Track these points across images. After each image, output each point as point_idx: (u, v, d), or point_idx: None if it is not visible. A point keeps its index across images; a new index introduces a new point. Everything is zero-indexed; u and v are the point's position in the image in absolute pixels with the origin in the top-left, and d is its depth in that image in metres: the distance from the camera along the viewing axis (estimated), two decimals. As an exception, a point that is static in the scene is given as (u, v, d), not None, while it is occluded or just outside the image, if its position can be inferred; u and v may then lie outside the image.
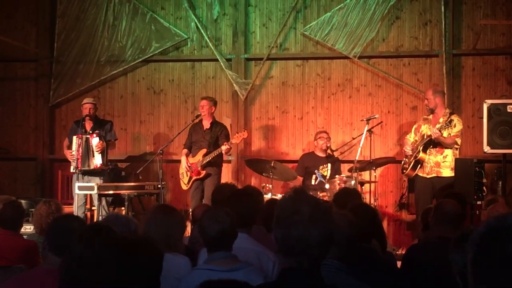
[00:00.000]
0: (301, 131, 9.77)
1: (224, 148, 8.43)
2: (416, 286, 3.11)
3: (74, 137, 8.56)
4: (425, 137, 8.05)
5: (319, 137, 8.84)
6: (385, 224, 9.01)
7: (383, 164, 8.93)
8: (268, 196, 7.80)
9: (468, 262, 1.56)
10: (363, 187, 8.53)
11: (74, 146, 8.53)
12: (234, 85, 9.76)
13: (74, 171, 8.50)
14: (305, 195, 2.42)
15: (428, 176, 8.03)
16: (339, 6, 9.55)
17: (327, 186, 8.26)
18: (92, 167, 8.48)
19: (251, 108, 9.90)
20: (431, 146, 8.00)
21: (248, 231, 4.18)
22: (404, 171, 8.22)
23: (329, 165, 8.76)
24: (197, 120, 8.88)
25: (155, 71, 10.19)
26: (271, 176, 8.41)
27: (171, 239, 3.96)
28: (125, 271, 2.42)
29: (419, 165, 8.05)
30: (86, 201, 8.66)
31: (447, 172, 7.96)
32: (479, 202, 7.40)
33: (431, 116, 8.20)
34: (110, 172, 8.98)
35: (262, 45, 9.90)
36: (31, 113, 10.40)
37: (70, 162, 8.60)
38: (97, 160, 8.46)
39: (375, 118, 8.70)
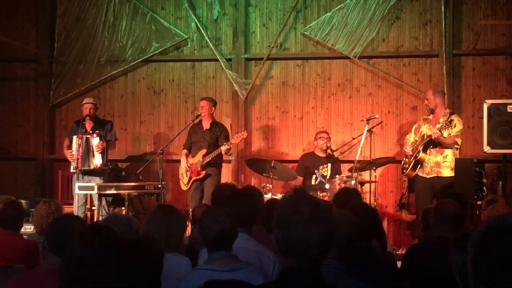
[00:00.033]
0: (301, 131, 9.77)
1: (223, 148, 8.44)
2: (416, 286, 3.10)
3: (74, 137, 8.56)
4: (425, 137, 8.05)
5: (319, 137, 8.84)
6: (385, 224, 9.01)
7: (383, 164, 8.93)
8: (268, 196, 7.80)
9: (468, 262, 1.56)
10: (363, 187, 8.53)
11: (74, 146, 8.53)
12: (234, 85, 9.76)
13: (74, 171, 8.50)
14: (305, 195, 2.42)
15: (428, 176, 8.03)
16: (339, 6, 9.55)
17: (327, 186, 8.26)
18: (92, 167, 8.48)
19: (251, 108, 9.90)
20: (431, 146, 8.00)
21: (248, 231, 4.18)
22: (404, 171, 8.22)
23: (329, 165, 8.76)
24: (197, 120, 8.88)
25: (155, 71, 10.19)
26: (271, 176, 8.41)
27: (172, 239, 3.97)
28: (125, 271, 2.42)
29: (419, 165, 8.05)
30: (86, 201, 8.66)
31: (447, 172, 7.96)
32: (479, 202, 7.40)
33: (431, 116, 8.20)
34: (110, 172, 8.98)
35: (262, 45, 9.90)
36: (31, 113, 10.40)
37: (70, 162, 8.60)
38: (97, 160, 8.46)
39: (375, 118, 8.70)
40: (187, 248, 4.58)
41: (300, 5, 9.76)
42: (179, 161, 8.97)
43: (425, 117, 8.35)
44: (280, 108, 9.83)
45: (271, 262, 4.00)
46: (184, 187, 8.85)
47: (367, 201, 8.47)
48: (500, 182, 8.23)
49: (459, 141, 8.07)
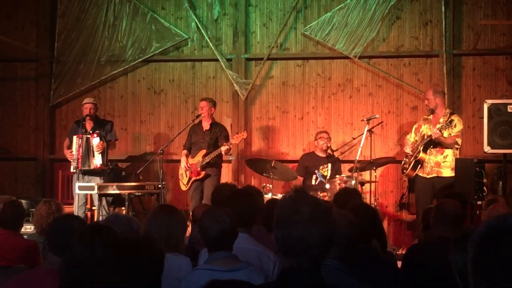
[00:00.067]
0: (302, 131, 9.77)
1: (223, 149, 8.44)
2: (416, 286, 3.10)
3: (75, 137, 8.56)
4: (425, 137, 8.05)
5: (320, 137, 8.84)
6: (385, 224, 9.01)
7: (384, 164, 8.93)
8: (268, 196, 7.80)
9: (468, 262, 1.56)
10: (363, 187, 8.53)
11: (75, 146, 8.53)
12: (235, 85, 9.76)
13: (74, 171, 8.50)
14: (305, 195, 2.42)
15: (428, 176, 8.02)
16: (340, 6, 9.55)
17: (327, 186, 8.26)
18: (92, 167, 8.47)
19: (252, 108, 9.90)
20: (432, 146, 8.00)
21: (248, 231, 4.18)
22: (405, 171, 8.22)
23: (329, 165, 8.76)
24: (197, 121, 8.89)
25: (155, 71, 10.19)
26: (271, 176, 8.41)
27: (173, 239, 3.96)
28: (125, 271, 2.42)
29: (419, 165, 8.05)
30: (86, 201, 8.66)
31: (448, 172, 7.96)
32: (479, 202, 7.40)
33: (431, 116, 8.20)
34: (110, 172, 8.98)
35: (262, 45, 9.90)
36: (32, 113, 10.40)
37: (70, 162, 8.60)
38: (97, 160, 8.45)
39: (375, 118, 8.70)
40: (187, 248, 4.58)
41: (300, 5, 9.76)
42: (179, 161, 8.97)
43: (425, 117, 8.35)
44: (280, 108, 9.83)
45: (271, 262, 4.00)
46: (183, 187, 8.85)
47: (367, 201, 8.47)
48: (501, 182, 8.23)
49: (459, 141, 8.07)
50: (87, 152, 8.48)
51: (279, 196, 7.82)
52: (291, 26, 9.81)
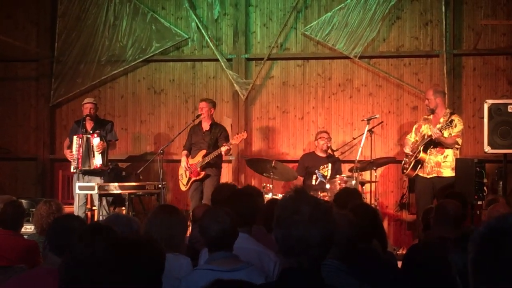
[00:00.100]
0: (302, 131, 9.77)
1: (223, 149, 8.45)
2: (416, 286, 3.10)
3: (75, 137, 8.56)
4: (425, 137, 8.04)
5: (320, 137, 8.84)
6: (385, 224, 9.01)
7: (384, 164, 8.93)
8: (268, 196, 7.80)
9: (468, 262, 1.56)
10: (363, 187, 8.52)
11: (75, 146, 8.53)
12: (235, 85, 9.76)
13: (74, 171, 8.50)
14: (305, 195, 2.42)
15: (428, 176, 8.02)
16: (340, 6, 9.55)
17: (327, 186, 8.26)
18: (92, 167, 8.47)
19: (252, 108, 9.90)
20: (432, 146, 8.00)
21: (248, 231, 4.18)
22: (405, 171, 8.22)
23: (329, 165, 8.76)
24: (197, 121, 8.89)
25: (155, 71, 10.19)
26: (271, 176, 8.41)
27: (174, 239, 3.96)
28: (125, 271, 2.42)
29: (420, 165, 8.05)
30: (86, 201, 8.66)
31: (448, 172, 7.96)
32: (479, 202, 7.39)
33: (431, 116, 8.20)
34: (110, 172, 8.98)
35: (262, 45, 9.90)
36: (32, 113, 10.40)
37: (70, 162, 8.60)
38: (97, 161, 8.45)
39: (375, 118, 8.70)
40: (188, 248, 4.58)
41: (300, 5, 9.76)
42: (179, 161, 8.97)
43: (426, 117, 8.35)
44: (280, 108, 9.83)
45: (271, 262, 4.00)
46: (183, 188, 8.86)
47: (368, 201, 8.47)
48: (501, 182, 8.23)
49: (459, 141, 8.07)
50: (87, 152, 8.48)
51: (280, 196, 7.81)
52: (291, 26, 9.81)
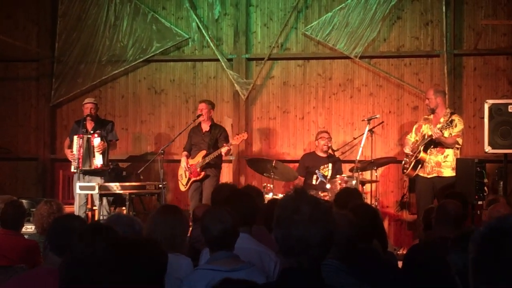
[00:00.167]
0: (302, 131, 9.77)
1: (224, 150, 8.46)
2: (417, 286, 3.10)
3: (75, 137, 8.56)
4: (426, 137, 8.04)
5: (320, 137, 8.84)
6: (386, 224, 9.01)
7: (384, 164, 8.93)
8: (269, 196, 7.80)
9: (469, 262, 1.56)
10: (364, 187, 8.52)
11: (75, 146, 8.53)
12: (235, 85, 9.76)
13: (75, 171, 8.50)
14: (305, 194, 2.41)
15: (429, 176, 8.02)
16: (340, 6, 9.54)
17: (328, 186, 8.26)
18: (93, 167, 8.47)
19: (252, 108, 9.90)
20: (432, 146, 8.00)
21: (249, 231, 4.18)
22: (405, 171, 8.21)
23: (330, 165, 8.76)
24: (197, 121, 8.89)
25: (156, 71, 10.19)
26: (272, 176, 8.41)
27: (176, 239, 3.95)
28: (125, 271, 2.42)
29: (420, 165, 8.05)
30: (87, 201, 8.66)
31: (448, 172, 7.96)
32: (480, 202, 7.39)
33: (432, 116, 8.20)
34: (111, 172, 8.98)
35: (263, 45, 9.90)
36: (32, 113, 10.40)
37: (71, 162, 8.60)
38: (97, 161, 8.45)
39: (376, 118, 8.69)
40: (188, 248, 4.58)
41: (301, 5, 9.76)
42: (180, 161, 8.98)
43: (426, 117, 8.35)
44: (281, 108, 9.83)
45: (272, 262, 4.01)
46: (182, 188, 8.86)
47: (368, 201, 8.46)
48: (501, 182, 8.23)
49: (460, 141, 8.07)
50: (88, 152, 8.48)
51: (280, 196, 7.81)
52: (292, 26, 9.81)
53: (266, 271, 3.83)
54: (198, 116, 8.85)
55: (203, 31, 9.94)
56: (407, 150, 8.16)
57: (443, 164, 7.99)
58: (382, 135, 9.39)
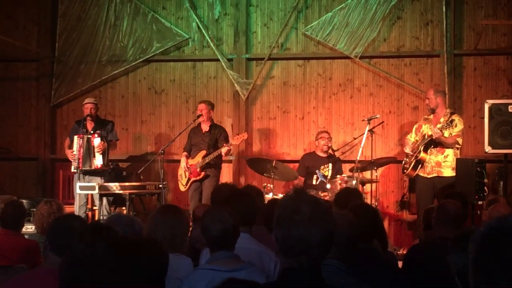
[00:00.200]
0: (302, 131, 9.77)
1: (224, 150, 8.46)
2: (417, 286, 3.10)
3: (75, 137, 8.56)
4: (426, 137, 8.04)
5: (320, 137, 8.84)
6: (386, 224, 9.01)
7: (384, 164, 8.93)
8: (269, 196, 7.80)
9: (469, 262, 1.56)
10: (364, 187, 8.53)
11: (75, 146, 8.53)
12: (235, 85, 9.76)
13: (75, 171, 8.50)
14: (305, 194, 2.41)
15: (429, 176, 8.02)
16: (340, 6, 9.54)
17: (328, 186, 8.26)
18: (93, 167, 8.47)
19: (252, 108, 9.90)
20: (432, 146, 8.00)
21: (249, 231, 4.18)
22: (405, 171, 8.21)
23: (330, 165, 8.76)
24: (197, 121, 8.89)
25: (156, 71, 10.19)
26: (272, 176, 8.41)
27: (176, 239, 3.95)
28: (125, 271, 2.42)
29: (420, 165, 8.05)
30: (87, 201, 8.66)
31: (448, 172, 7.96)
32: (480, 202, 7.39)
33: (432, 116, 8.20)
34: (111, 172, 8.98)
35: (263, 45, 9.90)
36: (33, 113, 10.40)
37: (71, 162, 8.60)
38: (98, 161, 8.45)
39: (376, 118, 8.69)
40: (188, 248, 4.58)
41: (301, 5, 9.76)
42: (180, 161, 8.98)
43: (426, 117, 8.35)
44: (281, 108, 9.83)
45: (272, 262, 4.01)
46: (182, 188, 8.86)
47: (368, 201, 8.46)
48: (501, 182, 8.23)
49: (460, 141, 8.07)
50: (88, 152, 8.48)
51: (280, 196, 7.82)
52: (292, 26, 9.81)
53: (266, 271, 3.83)
54: (198, 116, 8.85)
55: (203, 31, 9.94)
56: (407, 150, 8.16)
57: (443, 164, 7.99)
58: (382, 135, 9.39)
